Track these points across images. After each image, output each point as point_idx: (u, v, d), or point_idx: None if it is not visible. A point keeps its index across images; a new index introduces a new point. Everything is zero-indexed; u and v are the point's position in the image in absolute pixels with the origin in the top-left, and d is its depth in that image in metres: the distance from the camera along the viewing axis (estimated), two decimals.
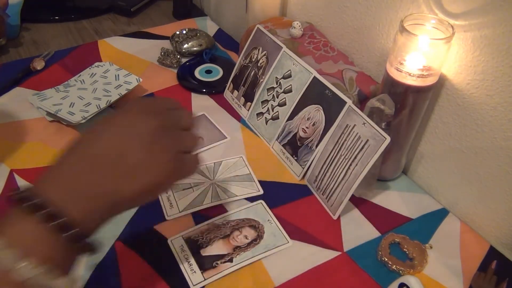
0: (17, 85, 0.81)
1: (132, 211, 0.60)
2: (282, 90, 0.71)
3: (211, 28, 1.03)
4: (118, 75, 0.80)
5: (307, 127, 0.67)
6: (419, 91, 0.58)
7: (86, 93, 0.76)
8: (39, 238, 0.34)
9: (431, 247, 0.59)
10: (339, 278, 0.55)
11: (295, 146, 0.68)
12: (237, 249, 0.56)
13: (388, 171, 0.67)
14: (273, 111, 0.73)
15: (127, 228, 0.58)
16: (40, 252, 0.34)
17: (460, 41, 0.56)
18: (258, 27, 0.77)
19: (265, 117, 0.74)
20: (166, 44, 0.95)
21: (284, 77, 0.71)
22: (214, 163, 0.69)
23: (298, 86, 0.69)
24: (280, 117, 0.71)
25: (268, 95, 0.74)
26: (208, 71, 0.87)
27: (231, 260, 0.55)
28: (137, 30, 1.00)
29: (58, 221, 0.35)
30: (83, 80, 0.80)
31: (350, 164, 0.59)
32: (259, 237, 0.58)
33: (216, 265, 0.54)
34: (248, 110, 0.77)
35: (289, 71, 0.71)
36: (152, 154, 0.40)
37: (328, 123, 0.64)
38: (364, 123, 0.58)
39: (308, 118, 0.67)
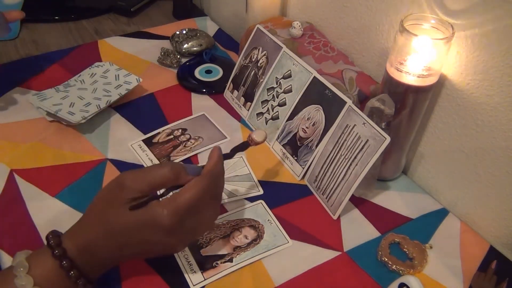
0: (17, 85, 0.81)
1: None
2: (282, 90, 0.71)
3: (211, 28, 1.03)
4: (118, 75, 0.80)
5: (307, 127, 0.67)
6: (419, 91, 0.58)
7: (86, 93, 0.76)
8: (55, 280, 0.44)
9: (431, 247, 0.59)
10: (339, 278, 0.55)
11: (295, 146, 0.68)
12: (237, 249, 0.56)
13: (388, 171, 0.67)
14: (273, 111, 0.73)
15: None
16: None
17: (460, 41, 0.56)
18: (258, 27, 0.77)
19: (265, 117, 0.74)
20: (166, 44, 0.95)
21: (284, 77, 0.71)
22: None
23: (298, 86, 0.69)
24: (280, 117, 0.71)
25: (268, 95, 0.74)
26: (208, 71, 0.87)
27: (231, 260, 0.55)
28: (137, 30, 1.00)
29: (73, 272, 0.44)
30: (83, 80, 0.80)
31: (350, 164, 0.59)
32: (259, 237, 0.58)
33: (216, 265, 0.54)
34: (248, 110, 0.77)
35: (289, 71, 0.71)
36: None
37: (328, 123, 0.64)
38: (364, 123, 0.58)
39: (308, 118, 0.67)
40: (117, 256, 0.47)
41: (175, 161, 0.68)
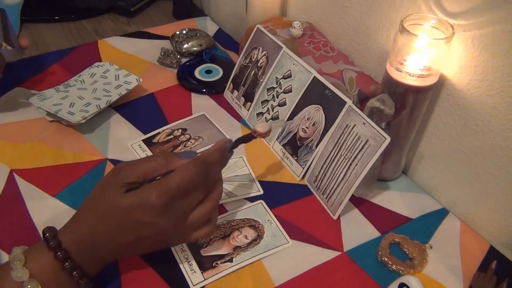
0: (17, 85, 0.81)
1: None
2: (282, 90, 0.71)
3: (211, 28, 1.03)
4: (118, 75, 0.80)
5: (307, 127, 0.67)
6: (419, 91, 0.58)
7: (86, 93, 0.76)
8: (51, 272, 0.45)
9: (431, 247, 0.59)
10: (339, 278, 0.55)
11: (295, 146, 0.68)
12: (237, 249, 0.56)
13: (388, 171, 0.67)
14: (273, 111, 0.73)
15: None
16: (50, 282, 0.45)
17: (460, 41, 0.56)
18: (258, 27, 0.77)
19: (265, 117, 0.74)
20: (166, 44, 0.95)
21: (284, 77, 0.71)
22: None
23: (298, 86, 0.69)
24: (280, 117, 0.71)
25: (268, 95, 0.74)
26: (208, 71, 0.87)
27: (231, 260, 0.55)
28: (137, 30, 1.00)
29: (68, 263, 0.45)
30: (83, 80, 0.80)
31: (350, 164, 0.59)
32: (259, 237, 0.58)
33: (216, 265, 0.54)
34: (248, 110, 0.77)
35: (289, 71, 0.71)
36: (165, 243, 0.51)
37: (328, 123, 0.64)
38: (364, 123, 0.58)
39: (308, 118, 0.67)
40: (112, 246, 0.47)
41: None
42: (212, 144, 0.51)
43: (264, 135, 0.57)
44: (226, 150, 0.52)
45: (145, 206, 0.45)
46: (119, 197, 0.46)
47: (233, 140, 0.54)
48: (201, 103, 0.81)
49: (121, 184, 0.46)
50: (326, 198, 0.63)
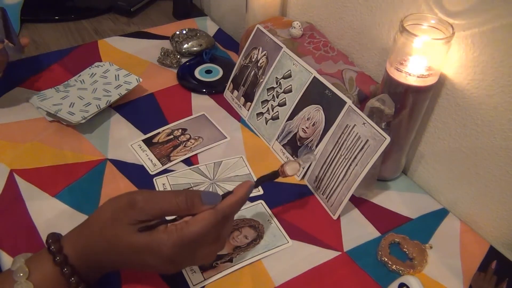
0: (17, 85, 0.81)
1: None
2: (282, 90, 0.71)
3: (211, 28, 1.03)
4: (118, 75, 0.80)
5: (307, 127, 0.67)
6: (419, 91, 0.58)
7: (86, 93, 0.76)
8: (55, 285, 0.45)
9: (431, 247, 0.59)
10: (339, 278, 0.55)
11: (295, 146, 0.68)
12: (237, 249, 0.56)
13: (388, 171, 0.67)
14: (273, 111, 0.73)
15: None
16: None
17: (460, 41, 0.56)
18: (258, 27, 0.77)
19: (265, 117, 0.74)
20: (166, 44, 0.95)
21: (284, 77, 0.71)
22: (214, 163, 0.69)
23: (298, 86, 0.69)
24: (280, 117, 0.71)
25: (268, 95, 0.74)
26: (208, 71, 0.87)
27: (231, 260, 0.55)
28: (137, 30, 1.00)
29: (73, 278, 0.45)
30: (83, 80, 0.80)
31: (350, 164, 0.59)
32: (259, 237, 0.58)
33: (216, 265, 0.54)
34: (248, 110, 0.77)
35: (289, 71, 0.71)
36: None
37: (328, 123, 0.64)
38: (364, 123, 0.58)
39: (308, 118, 0.67)
40: (116, 265, 0.48)
41: (175, 161, 0.68)
42: (238, 185, 0.49)
43: (290, 176, 0.57)
44: (248, 194, 0.50)
45: (156, 252, 0.44)
46: (131, 234, 0.44)
47: (256, 179, 0.54)
48: (201, 103, 0.81)
49: (133, 221, 0.44)
50: (326, 198, 0.63)
